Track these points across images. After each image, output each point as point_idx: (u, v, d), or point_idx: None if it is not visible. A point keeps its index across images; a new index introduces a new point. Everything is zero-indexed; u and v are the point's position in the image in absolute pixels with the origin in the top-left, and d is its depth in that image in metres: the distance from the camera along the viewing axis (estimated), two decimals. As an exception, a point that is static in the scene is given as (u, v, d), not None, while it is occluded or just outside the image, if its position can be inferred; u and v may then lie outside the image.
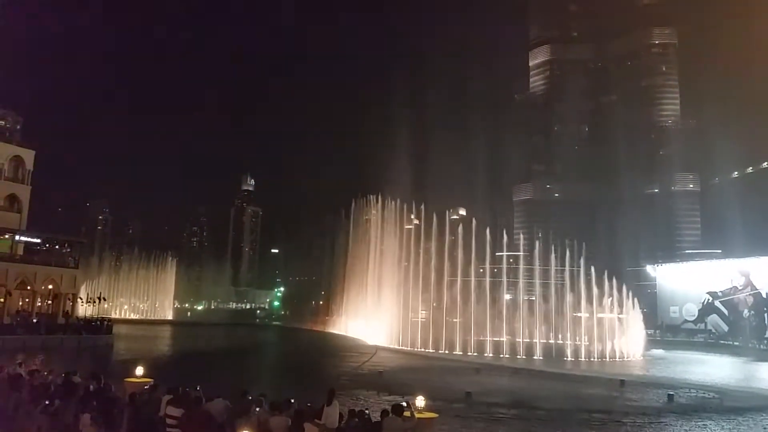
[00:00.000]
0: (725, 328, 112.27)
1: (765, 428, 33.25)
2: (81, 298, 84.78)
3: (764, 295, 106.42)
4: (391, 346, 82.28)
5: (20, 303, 75.12)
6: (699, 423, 33.36)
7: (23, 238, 76.69)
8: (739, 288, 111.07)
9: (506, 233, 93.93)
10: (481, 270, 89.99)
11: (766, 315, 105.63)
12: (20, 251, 76.37)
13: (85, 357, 54.68)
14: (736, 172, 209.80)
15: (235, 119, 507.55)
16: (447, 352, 75.56)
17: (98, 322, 76.24)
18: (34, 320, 69.66)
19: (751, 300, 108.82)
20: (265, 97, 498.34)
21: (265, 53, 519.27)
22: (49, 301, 76.38)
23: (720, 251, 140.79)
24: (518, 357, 71.96)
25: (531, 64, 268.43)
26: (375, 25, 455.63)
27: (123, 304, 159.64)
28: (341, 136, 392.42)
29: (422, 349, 79.01)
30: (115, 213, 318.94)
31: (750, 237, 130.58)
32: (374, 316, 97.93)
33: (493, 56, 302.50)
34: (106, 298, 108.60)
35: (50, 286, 74.88)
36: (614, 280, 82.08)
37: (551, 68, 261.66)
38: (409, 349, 79.60)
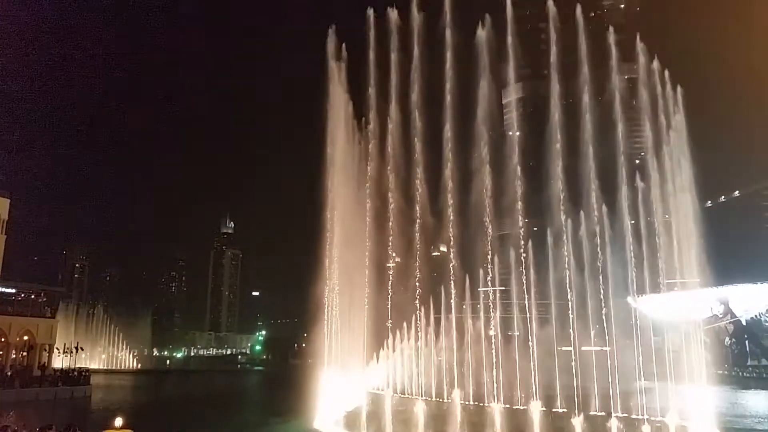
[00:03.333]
0: (708, 357, 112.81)
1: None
2: (58, 349, 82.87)
3: (743, 323, 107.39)
4: (376, 390, 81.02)
5: (-7, 356, 73.23)
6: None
7: (-3, 289, 75.19)
8: (719, 316, 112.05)
9: (488, 269, 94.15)
10: (464, 306, 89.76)
11: (746, 342, 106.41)
12: (-7, 302, 74.78)
13: (62, 409, 53.25)
14: (709, 202, 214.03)
15: (212, 162, 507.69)
16: (431, 395, 74.10)
17: (75, 373, 74.41)
18: (8, 373, 67.73)
19: (731, 328, 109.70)
20: (241, 138, 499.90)
21: (241, 93, 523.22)
22: (24, 353, 74.51)
23: (698, 280, 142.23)
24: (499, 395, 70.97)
25: (504, 102, 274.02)
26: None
27: (101, 354, 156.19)
28: (320, 174, 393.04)
29: (407, 393, 77.71)
30: (91, 260, 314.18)
31: (726, 265, 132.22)
32: (358, 359, 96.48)
33: (466, 95, 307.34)
34: (83, 347, 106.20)
35: (26, 337, 73.16)
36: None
37: (524, 105, 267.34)
38: (394, 393, 78.12)
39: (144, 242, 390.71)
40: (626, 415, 52.59)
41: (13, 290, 78.58)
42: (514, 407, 59.80)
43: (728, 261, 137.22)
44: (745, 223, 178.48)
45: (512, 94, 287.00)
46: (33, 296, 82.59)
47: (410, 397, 71.14)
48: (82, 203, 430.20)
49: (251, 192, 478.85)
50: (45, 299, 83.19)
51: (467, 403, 62.75)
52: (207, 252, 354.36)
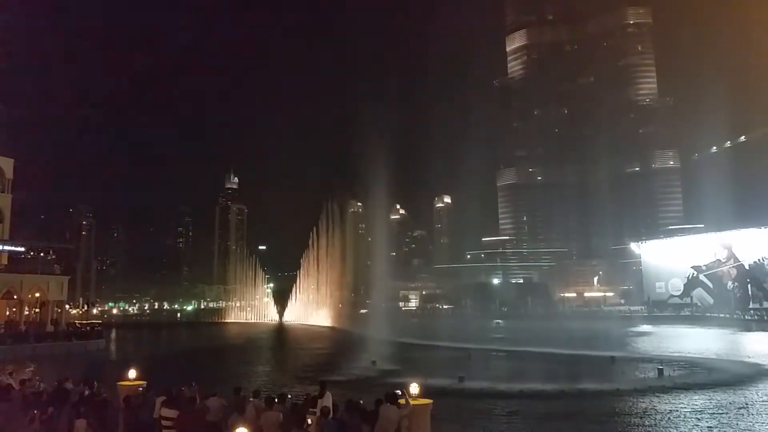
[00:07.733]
0: (710, 300, 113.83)
1: (750, 397, 33.86)
2: (70, 304, 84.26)
3: (746, 267, 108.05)
4: (382, 336, 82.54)
5: (7, 312, 74.47)
6: (689, 395, 33.94)
7: (6, 248, 75.90)
8: (723, 261, 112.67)
9: (492, 218, 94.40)
10: (468, 256, 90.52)
11: (749, 286, 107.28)
12: (4, 261, 75.64)
13: (76, 363, 54.39)
14: (714, 147, 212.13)
15: (216, 117, 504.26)
16: (438, 340, 75.68)
17: (88, 328, 75.85)
18: (22, 329, 69.10)
19: (734, 272, 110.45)
20: (243, 93, 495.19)
21: (243, 48, 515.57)
22: (37, 310, 75.80)
23: (702, 226, 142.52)
24: (506, 339, 72.43)
25: (508, 49, 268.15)
26: (349, 14, 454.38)
27: (112, 309, 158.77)
28: (322, 128, 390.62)
29: (414, 338, 79.29)
30: (98, 217, 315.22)
31: (731, 210, 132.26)
32: (364, 308, 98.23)
33: (471, 43, 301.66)
34: (95, 302, 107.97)
35: (37, 294, 74.28)
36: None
37: (528, 52, 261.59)
38: (400, 338, 79.76)
39: (150, 199, 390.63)
40: (629, 355, 53.76)
41: (22, 249, 79.42)
42: (515, 349, 61.14)
43: (733, 206, 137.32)
44: (750, 168, 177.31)
45: (516, 41, 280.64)
46: (42, 254, 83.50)
47: (417, 344, 72.68)
48: (87, 161, 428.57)
49: (255, 147, 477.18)
50: (54, 257, 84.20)
51: (468, 347, 64.05)
52: (212, 208, 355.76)
